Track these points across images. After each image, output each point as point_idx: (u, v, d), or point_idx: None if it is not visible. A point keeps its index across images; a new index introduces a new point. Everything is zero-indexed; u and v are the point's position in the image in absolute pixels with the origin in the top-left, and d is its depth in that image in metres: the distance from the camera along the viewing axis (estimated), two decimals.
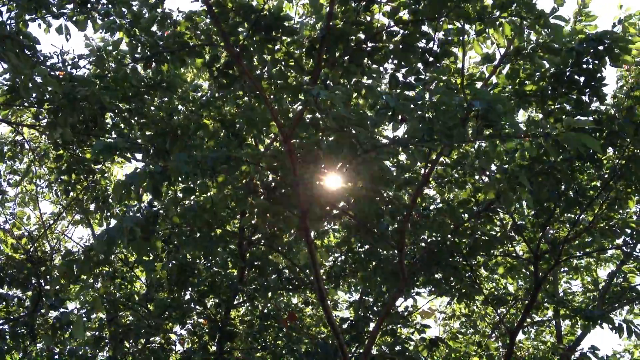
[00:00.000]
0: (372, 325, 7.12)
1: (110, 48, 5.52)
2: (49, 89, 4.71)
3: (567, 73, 4.77)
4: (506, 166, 5.11)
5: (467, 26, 4.87)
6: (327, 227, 7.15)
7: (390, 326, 7.12)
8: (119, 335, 7.18)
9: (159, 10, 4.88)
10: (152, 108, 5.87)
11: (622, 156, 5.61)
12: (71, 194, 7.17)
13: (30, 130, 7.16)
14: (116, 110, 5.63)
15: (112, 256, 7.29)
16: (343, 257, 7.58)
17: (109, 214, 7.38)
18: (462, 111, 3.15)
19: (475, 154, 5.02)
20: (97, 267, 4.72)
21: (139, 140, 5.79)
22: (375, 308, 7.35)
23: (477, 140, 3.46)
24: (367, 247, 6.91)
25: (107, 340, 7.26)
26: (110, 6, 5.26)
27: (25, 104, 5.90)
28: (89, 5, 5.40)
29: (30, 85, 4.51)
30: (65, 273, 4.44)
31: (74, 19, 5.50)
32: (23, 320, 6.69)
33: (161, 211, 4.95)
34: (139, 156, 5.95)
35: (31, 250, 7.34)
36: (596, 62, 4.59)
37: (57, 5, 5.41)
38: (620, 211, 6.44)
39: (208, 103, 5.79)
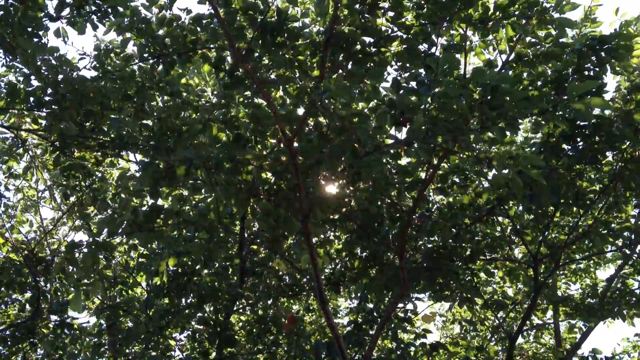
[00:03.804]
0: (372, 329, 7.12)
1: (117, 50, 5.54)
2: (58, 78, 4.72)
3: (569, 79, 4.81)
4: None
5: (469, 32, 4.92)
6: (329, 234, 7.16)
7: (391, 331, 7.12)
8: (119, 342, 7.14)
9: (168, 12, 4.91)
10: (158, 102, 5.85)
11: (620, 159, 5.66)
12: (72, 198, 7.14)
13: (30, 134, 7.14)
14: (117, 110, 5.61)
15: (113, 259, 7.28)
16: (343, 263, 7.58)
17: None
18: (467, 97, 3.15)
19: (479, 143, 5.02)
20: (100, 251, 4.70)
21: (140, 140, 5.77)
22: (375, 313, 7.35)
23: (483, 129, 3.46)
24: (367, 252, 6.92)
25: (106, 347, 7.23)
26: (109, 10, 5.28)
27: (24, 109, 5.87)
28: (86, 8, 5.41)
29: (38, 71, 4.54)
30: (68, 260, 4.43)
31: (72, 21, 5.50)
32: (24, 325, 6.65)
33: (165, 207, 4.96)
34: (139, 158, 5.95)
35: (30, 252, 7.30)
36: (597, 69, 4.63)
37: (56, 8, 5.41)
38: (619, 214, 6.49)
39: (212, 106, 5.80)
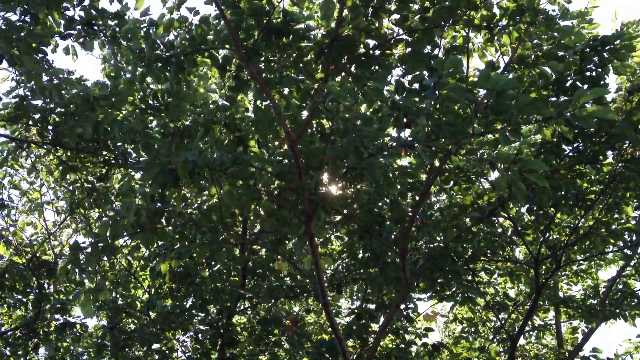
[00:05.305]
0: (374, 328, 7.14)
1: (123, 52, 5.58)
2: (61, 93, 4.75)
3: (570, 80, 4.84)
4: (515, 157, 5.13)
5: (472, 34, 4.95)
6: (330, 234, 7.18)
7: (394, 330, 7.15)
8: (121, 343, 7.17)
9: (176, 14, 4.96)
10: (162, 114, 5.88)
11: (621, 159, 5.68)
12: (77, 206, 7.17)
13: (37, 147, 7.14)
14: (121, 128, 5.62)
15: (115, 258, 7.30)
16: (345, 264, 7.61)
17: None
18: (472, 100, 3.15)
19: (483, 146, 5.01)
20: (104, 254, 4.70)
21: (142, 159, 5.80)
22: (376, 313, 7.37)
23: (487, 133, 3.48)
24: (369, 252, 6.94)
25: (109, 348, 7.25)
26: (117, 29, 5.33)
27: (31, 122, 5.87)
28: (95, 27, 5.46)
29: (43, 88, 4.56)
30: (71, 262, 4.44)
31: (81, 40, 5.55)
32: (27, 325, 6.66)
33: (169, 208, 4.97)
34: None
35: (33, 255, 7.32)
36: (599, 69, 4.66)
37: (65, 26, 5.46)
38: (619, 215, 6.51)
39: (215, 109, 5.82)
